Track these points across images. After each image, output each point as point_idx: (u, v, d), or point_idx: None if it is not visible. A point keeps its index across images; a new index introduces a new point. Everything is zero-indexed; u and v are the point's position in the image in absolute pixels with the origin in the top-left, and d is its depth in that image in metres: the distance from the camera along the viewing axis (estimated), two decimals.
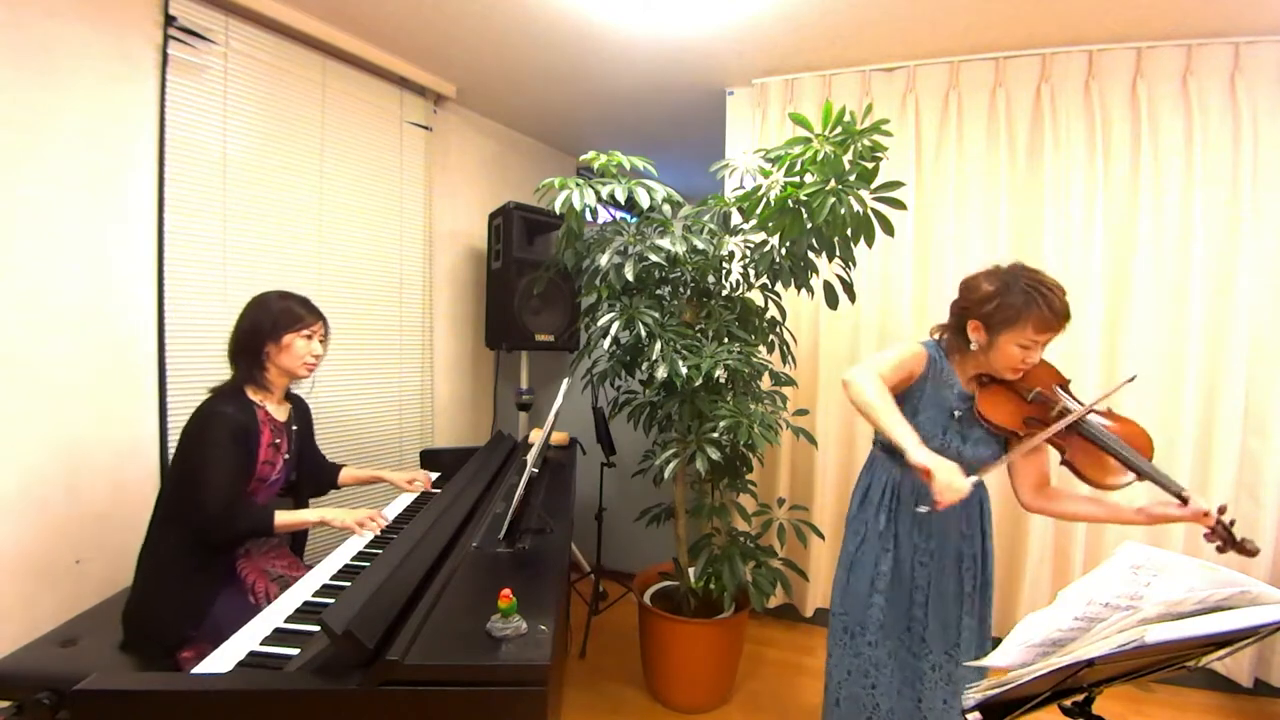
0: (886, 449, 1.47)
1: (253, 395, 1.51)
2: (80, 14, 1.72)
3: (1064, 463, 1.33)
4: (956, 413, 1.38)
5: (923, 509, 1.20)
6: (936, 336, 1.46)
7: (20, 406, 1.64)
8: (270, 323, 1.50)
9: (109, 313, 1.80)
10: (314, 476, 1.76)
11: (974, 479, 1.17)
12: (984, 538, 1.46)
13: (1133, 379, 1.37)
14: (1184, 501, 1.21)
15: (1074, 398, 1.35)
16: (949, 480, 1.12)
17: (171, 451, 1.84)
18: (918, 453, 1.16)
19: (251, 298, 1.56)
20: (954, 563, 1.42)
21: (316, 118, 2.35)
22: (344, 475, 1.84)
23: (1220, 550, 1.20)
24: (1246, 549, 1.18)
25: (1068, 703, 0.85)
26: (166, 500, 1.45)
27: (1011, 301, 1.25)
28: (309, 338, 1.54)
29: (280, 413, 1.58)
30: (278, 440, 1.54)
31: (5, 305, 1.61)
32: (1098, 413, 1.32)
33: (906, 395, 1.40)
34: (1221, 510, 1.20)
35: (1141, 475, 1.24)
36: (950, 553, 1.42)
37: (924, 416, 1.38)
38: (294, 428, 1.63)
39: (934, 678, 1.42)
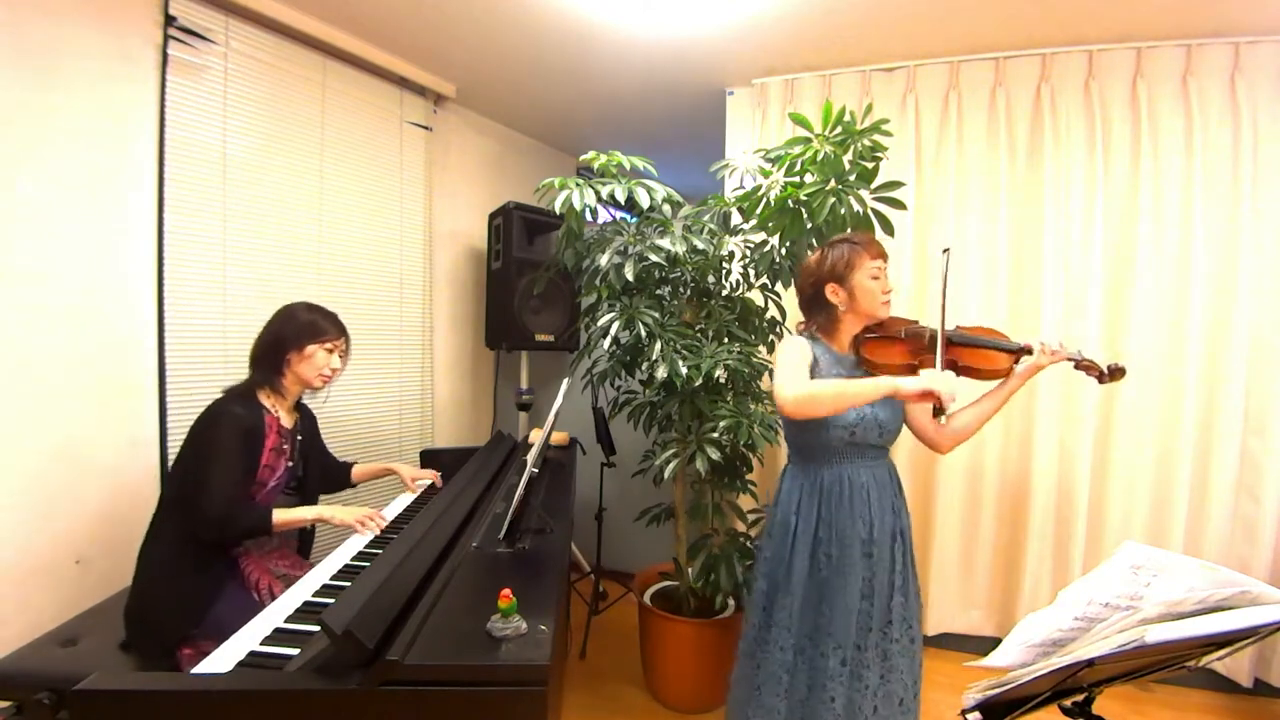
0: (800, 454, 1.53)
1: (264, 399, 1.54)
2: (80, 14, 1.72)
3: (961, 371, 1.46)
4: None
5: (943, 418, 1.38)
6: (803, 331, 1.55)
7: (20, 406, 1.64)
8: (295, 332, 1.55)
9: (109, 313, 1.80)
10: (325, 478, 1.79)
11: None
12: (905, 513, 1.50)
13: (946, 251, 1.49)
14: (1029, 350, 1.45)
15: (929, 326, 1.50)
16: (946, 386, 1.25)
17: (172, 451, 1.86)
18: (906, 384, 1.27)
19: (281, 307, 1.61)
20: (889, 542, 1.43)
21: (316, 118, 2.35)
22: (356, 472, 1.89)
23: (1100, 381, 1.45)
24: (1114, 373, 1.43)
25: (1068, 703, 0.85)
26: (170, 497, 1.46)
27: (839, 249, 1.45)
28: (330, 351, 1.59)
29: (288, 420, 1.61)
30: (284, 445, 1.56)
31: (5, 305, 1.61)
32: (961, 329, 1.54)
33: None
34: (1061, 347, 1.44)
35: (1015, 351, 1.47)
36: (887, 532, 1.43)
37: None
38: (299, 437, 1.66)
39: (843, 672, 1.39)
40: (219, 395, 1.52)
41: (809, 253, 1.90)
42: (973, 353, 1.48)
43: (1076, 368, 1.46)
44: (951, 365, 1.46)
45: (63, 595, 1.68)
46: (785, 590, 1.46)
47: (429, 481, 2.01)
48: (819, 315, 1.51)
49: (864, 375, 1.45)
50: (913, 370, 1.45)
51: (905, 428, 1.55)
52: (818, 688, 1.40)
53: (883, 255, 1.45)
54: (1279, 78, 2.04)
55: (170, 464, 1.87)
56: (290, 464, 1.60)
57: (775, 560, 1.50)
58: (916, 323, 1.52)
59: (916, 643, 1.44)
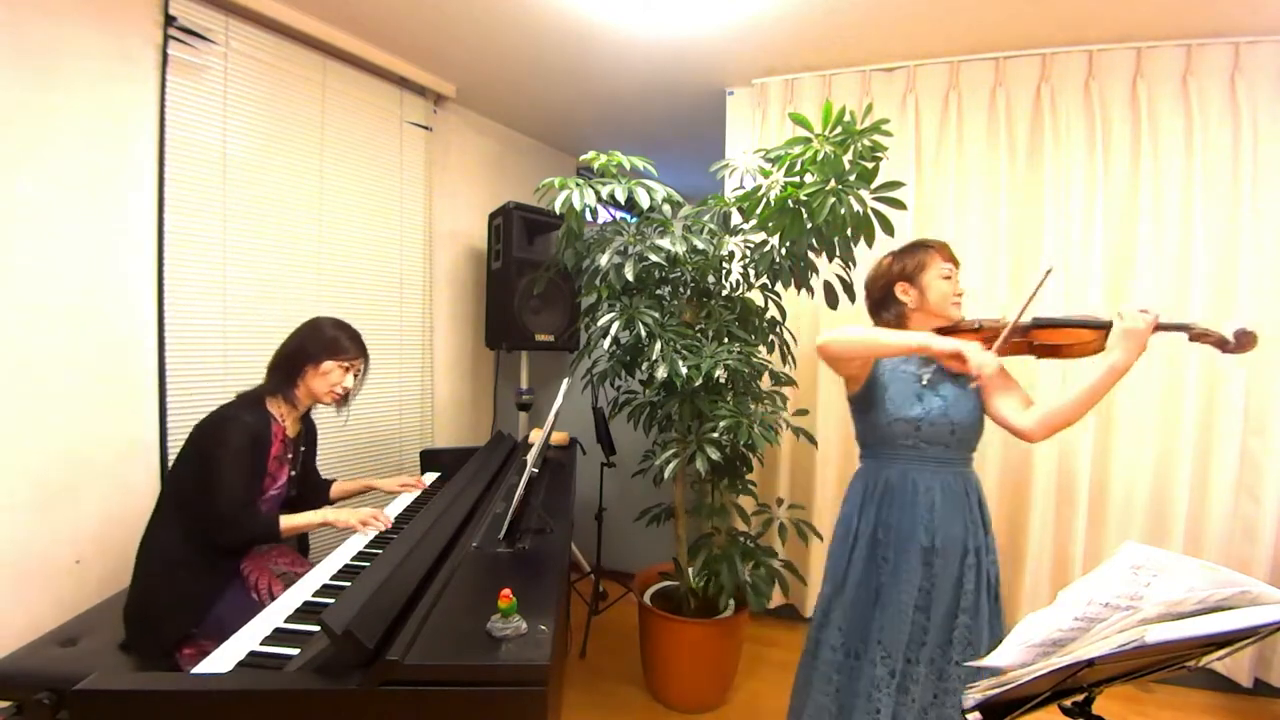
0: (868, 451, 1.51)
1: (273, 408, 1.56)
2: (80, 14, 1.72)
3: (1040, 352, 1.39)
4: (925, 378, 1.43)
5: (973, 385, 1.34)
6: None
7: (20, 407, 1.63)
8: (316, 347, 1.57)
9: (109, 313, 1.80)
10: (310, 493, 1.78)
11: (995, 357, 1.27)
12: (986, 532, 1.42)
13: (1049, 271, 1.39)
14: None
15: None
16: (977, 353, 1.24)
17: (172, 452, 1.86)
18: (939, 342, 1.27)
19: (310, 319, 1.65)
20: (958, 558, 1.36)
21: (316, 118, 2.35)
22: (335, 489, 1.86)
23: (1224, 349, 1.26)
24: (1244, 340, 1.24)
25: (1068, 703, 0.85)
26: (171, 498, 1.46)
27: (912, 251, 1.48)
28: (346, 370, 1.61)
29: (293, 430, 1.62)
30: (287, 455, 1.58)
31: (5, 305, 1.61)
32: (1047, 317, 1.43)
33: (869, 386, 1.46)
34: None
35: (1104, 325, 1.34)
36: (956, 545, 1.36)
37: (892, 391, 1.43)
38: (302, 448, 1.68)
39: (891, 684, 1.35)
40: (230, 400, 1.53)
41: (809, 253, 1.92)
42: (1052, 331, 1.39)
43: (1191, 339, 1.29)
44: (1026, 347, 1.40)
45: (63, 595, 1.68)
46: (841, 590, 1.45)
47: (416, 486, 1.98)
48: (888, 314, 1.52)
49: (934, 372, 1.44)
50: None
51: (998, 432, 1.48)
52: (864, 695, 1.37)
53: (954, 260, 1.47)
54: (1279, 78, 2.04)
55: (170, 463, 1.88)
56: (292, 474, 1.62)
57: (835, 558, 1.50)
58: (998, 320, 1.46)
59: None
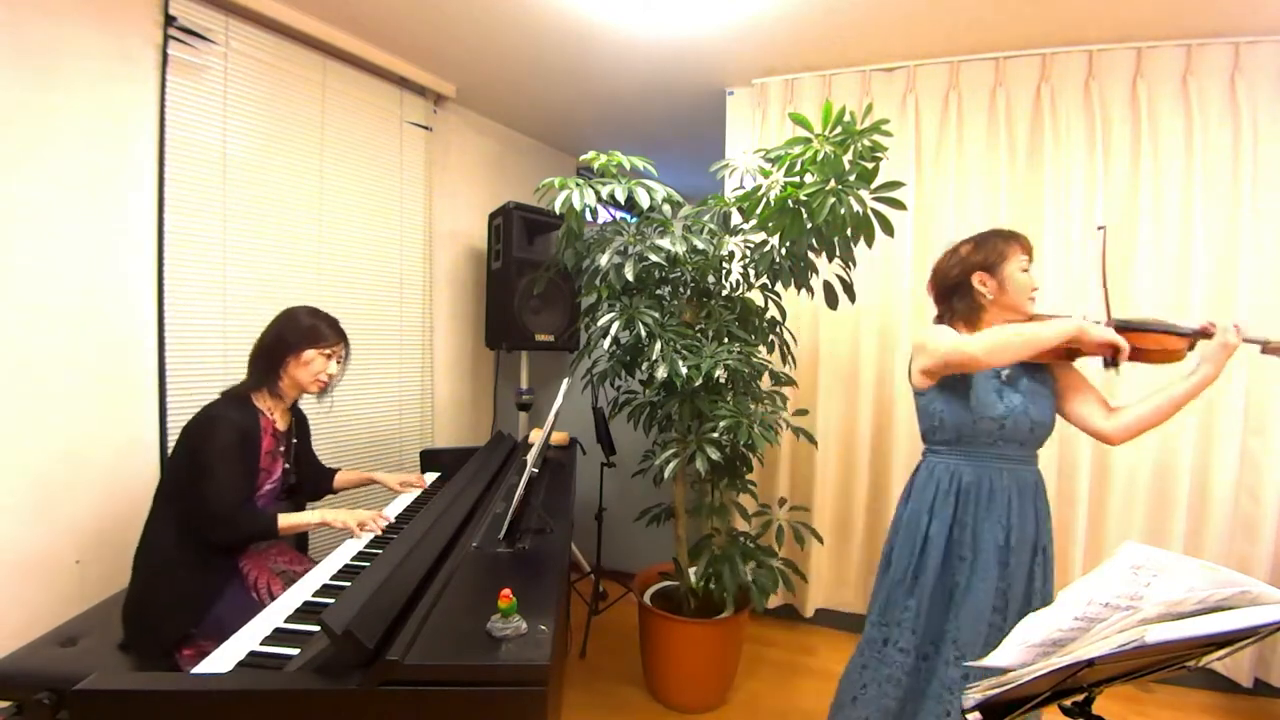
0: (941, 448, 1.44)
1: (259, 403, 1.55)
2: (80, 14, 1.72)
3: (1131, 356, 1.33)
4: (1003, 374, 1.39)
5: (1115, 371, 1.32)
6: (940, 323, 1.49)
7: (20, 407, 1.64)
8: (295, 337, 1.56)
9: (109, 313, 1.80)
10: (310, 482, 1.79)
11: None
12: (1049, 527, 1.41)
13: (1102, 227, 1.44)
14: (1209, 333, 1.29)
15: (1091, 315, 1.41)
16: (1125, 341, 1.25)
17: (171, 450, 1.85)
18: (1093, 329, 1.26)
19: (283, 310, 1.62)
20: (1029, 556, 1.34)
21: (316, 118, 2.35)
22: (339, 479, 1.87)
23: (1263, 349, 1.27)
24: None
25: (1068, 703, 0.85)
26: (166, 498, 1.45)
27: (993, 240, 1.42)
28: (328, 357, 1.60)
29: (283, 423, 1.62)
30: (280, 449, 1.58)
31: (5, 305, 1.61)
32: (1130, 319, 1.39)
33: (951, 385, 1.40)
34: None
35: (1190, 334, 1.32)
36: (1027, 542, 1.34)
37: (979, 387, 1.37)
38: (294, 440, 1.67)
39: (964, 684, 1.31)
40: (214, 398, 1.51)
41: (809, 253, 1.92)
42: (1140, 335, 1.35)
43: (1264, 352, 1.29)
44: (1115, 350, 1.34)
45: (62, 595, 1.68)
46: (910, 591, 1.40)
47: (417, 488, 1.98)
48: (960, 304, 1.44)
49: (1013, 368, 1.40)
50: (1070, 356, 1.37)
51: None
52: (934, 697, 1.35)
53: (1030, 251, 1.42)
54: (1279, 78, 2.04)
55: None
56: (286, 467, 1.61)
57: (901, 557, 1.43)
58: (1071, 316, 1.42)
59: None
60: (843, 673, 1.52)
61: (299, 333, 1.56)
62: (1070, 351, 1.36)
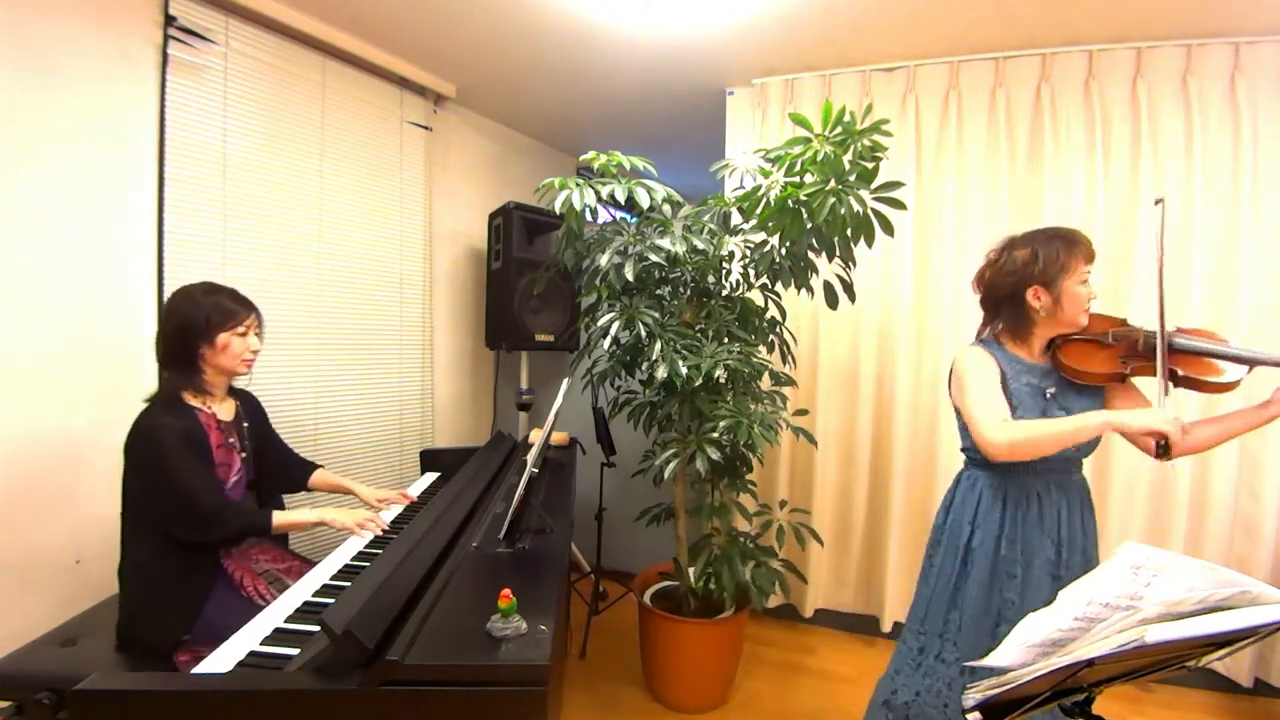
0: (981, 463, 1.38)
1: (191, 400, 1.44)
2: (80, 14, 1.72)
3: (1180, 382, 1.26)
4: (1049, 391, 1.32)
5: (1170, 462, 1.17)
6: (984, 336, 1.44)
7: (20, 406, 1.64)
8: (202, 321, 1.42)
9: (109, 313, 1.80)
10: (278, 473, 1.68)
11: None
12: (1095, 536, 1.37)
13: (1160, 201, 1.26)
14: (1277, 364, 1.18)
15: (1141, 327, 1.32)
16: (1175, 427, 1.11)
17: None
18: (1132, 419, 1.15)
19: (174, 292, 1.47)
20: (1080, 566, 1.29)
21: (316, 118, 2.35)
22: (317, 477, 1.77)
23: None
24: None
25: (1068, 703, 0.85)
26: (133, 514, 1.39)
27: (1054, 250, 1.27)
28: (244, 334, 1.47)
29: (225, 411, 1.52)
30: (230, 440, 1.49)
31: (5, 305, 1.61)
32: (1182, 330, 1.30)
33: None
34: None
35: (1249, 362, 1.21)
36: (1078, 554, 1.29)
37: (1022, 407, 1.31)
38: (245, 424, 1.57)
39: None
40: (144, 406, 1.40)
41: (809, 253, 1.91)
42: (1194, 362, 1.25)
43: None
44: (1170, 375, 1.24)
45: (62, 595, 1.68)
46: (953, 604, 1.36)
47: (397, 505, 1.83)
48: (1008, 316, 1.36)
49: (1057, 382, 1.32)
50: (1121, 379, 1.29)
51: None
52: None
53: (1092, 256, 1.29)
54: (1279, 78, 2.04)
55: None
56: (244, 455, 1.52)
57: (943, 570, 1.39)
58: (1125, 322, 1.34)
59: None
60: (883, 675, 1.49)
61: (204, 315, 1.42)
62: (1121, 374, 1.27)
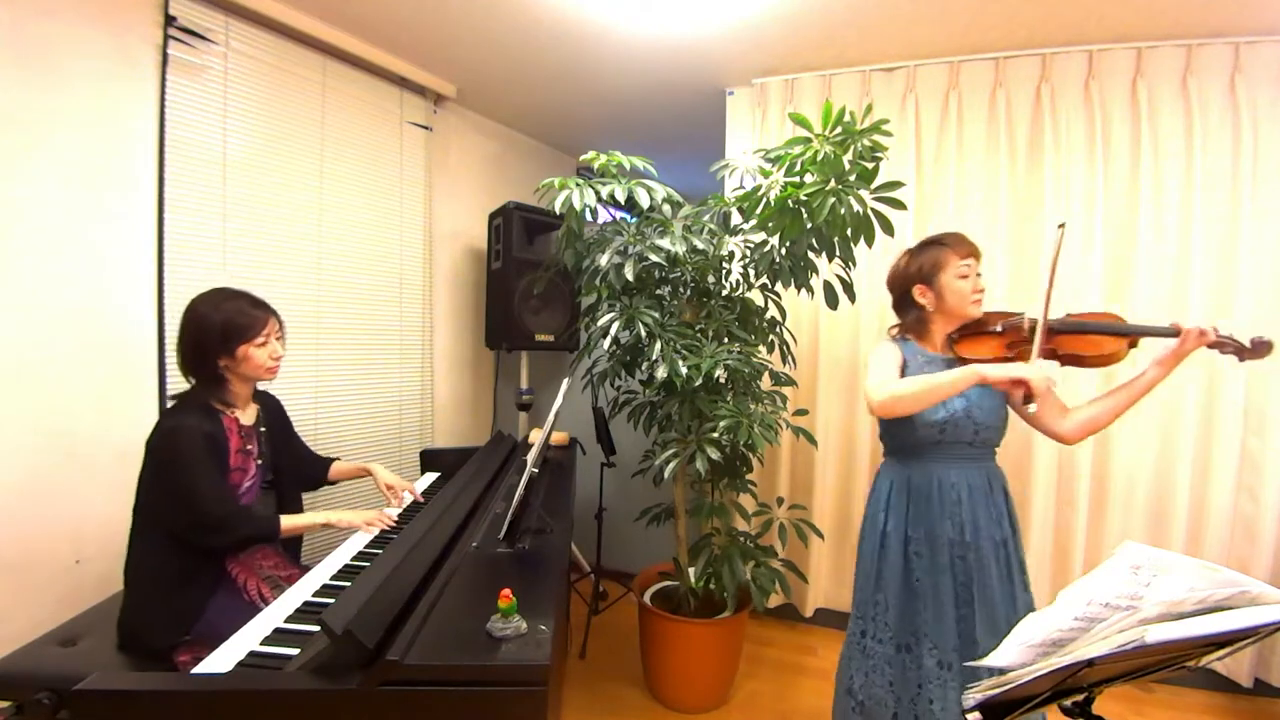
0: (892, 451, 1.53)
1: (217, 404, 1.45)
2: (80, 14, 1.72)
3: (1063, 360, 1.41)
4: None
5: (1032, 407, 1.35)
6: (894, 334, 1.58)
7: (20, 406, 1.64)
8: (218, 335, 1.40)
9: (109, 313, 1.80)
10: (299, 472, 1.70)
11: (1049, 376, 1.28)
12: (1012, 523, 1.45)
13: (1062, 226, 1.41)
14: (1179, 332, 1.32)
15: (1029, 316, 1.44)
16: (1037, 373, 1.25)
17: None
18: (993, 370, 1.27)
19: (194, 299, 1.44)
20: (991, 552, 1.39)
21: (316, 118, 2.35)
22: (335, 469, 1.81)
23: (1239, 358, 1.31)
24: (1261, 347, 1.28)
25: (1068, 703, 0.85)
26: (144, 513, 1.40)
27: (926, 251, 1.47)
28: (263, 344, 1.45)
29: (248, 416, 1.53)
30: (248, 446, 1.50)
31: (5, 305, 1.61)
32: (1072, 316, 1.44)
33: None
34: (1214, 330, 1.31)
35: (1131, 334, 1.36)
36: (986, 538, 1.39)
37: None
38: (262, 429, 1.58)
39: (943, 675, 1.39)
40: (172, 404, 1.43)
41: (809, 253, 1.92)
42: (1075, 339, 1.39)
43: (1210, 346, 1.32)
44: (1051, 355, 1.40)
45: (62, 595, 1.68)
46: (877, 585, 1.48)
47: (407, 495, 1.86)
48: (908, 317, 1.53)
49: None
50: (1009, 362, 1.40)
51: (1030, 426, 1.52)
52: (915, 686, 1.42)
53: (974, 254, 1.43)
54: (1279, 78, 2.04)
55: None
56: (259, 461, 1.53)
57: (866, 556, 1.52)
58: (1020, 315, 1.46)
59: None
60: (839, 663, 1.59)
61: (219, 328, 1.40)
62: (1008, 357, 1.39)
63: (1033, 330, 1.38)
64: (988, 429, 1.42)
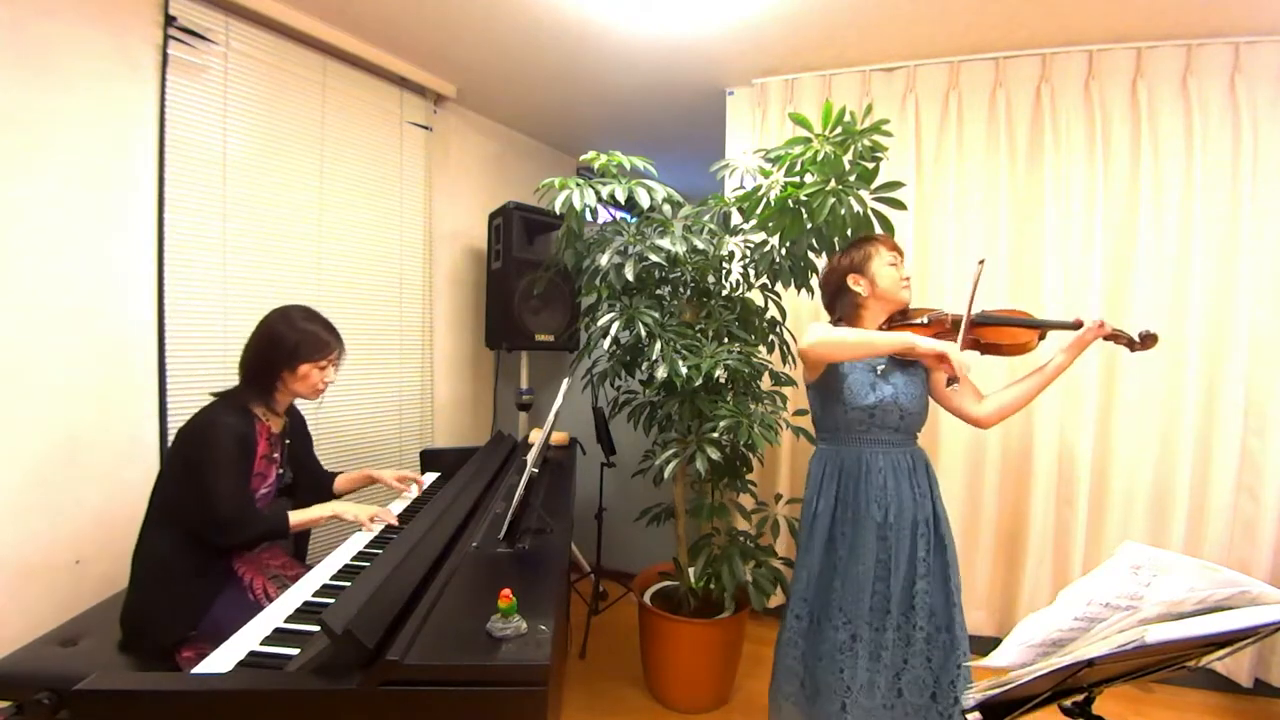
0: (824, 436, 1.65)
1: (254, 409, 1.52)
2: (80, 14, 1.72)
3: (985, 349, 1.58)
4: (879, 368, 1.56)
5: (954, 386, 1.47)
6: (831, 323, 1.68)
7: (20, 407, 1.63)
8: (291, 348, 1.48)
9: (109, 313, 1.80)
10: (309, 486, 1.76)
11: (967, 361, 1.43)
12: (934, 501, 1.54)
13: (982, 261, 1.56)
14: (1079, 325, 1.50)
15: (953, 311, 1.60)
16: (960, 354, 1.39)
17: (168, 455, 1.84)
18: (924, 342, 1.39)
19: (275, 311, 1.53)
20: (909, 530, 1.49)
21: (316, 118, 2.35)
22: (340, 482, 1.85)
23: (1131, 349, 1.49)
24: (1148, 339, 1.46)
25: (1068, 703, 0.85)
26: (162, 504, 1.43)
27: (859, 245, 1.62)
28: (324, 368, 1.55)
29: (277, 425, 1.59)
30: (274, 454, 1.55)
31: (5, 305, 1.61)
32: (989, 312, 1.61)
33: (829, 376, 1.57)
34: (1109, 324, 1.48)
35: (1041, 326, 1.56)
36: (907, 518, 1.49)
37: (851, 379, 1.54)
38: (287, 440, 1.64)
39: (855, 647, 1.47)
40: (211, 401, 1.48)
41: (809, 253, 1.92)
42: (994, 330, 1.57)
43: (1106, 338, 1.49)
44: (974, 344, 1.57)
45: (62, 595, 1.68)
46: (802, 564, 1.59)
47: (415, 487, 1.94)
48: (842, 306, 1.64)
49: (887, 363, 1.57)
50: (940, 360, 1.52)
51: (948, 414, 1.65)
52: (826, 658, 1.51)
53: (898, 250, 1.60)
54: (1279, 78, 2.04)
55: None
56: (280, 470, 1.58)
57: (801, 534, 1.63)
58: (936, 309, 1.61)
59: (953, 635, 1.47)
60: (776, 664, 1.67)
61: (294, 342, 1.48)
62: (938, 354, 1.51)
63: (956, 323, 1.54)
64: (911, 415, 1.54)
